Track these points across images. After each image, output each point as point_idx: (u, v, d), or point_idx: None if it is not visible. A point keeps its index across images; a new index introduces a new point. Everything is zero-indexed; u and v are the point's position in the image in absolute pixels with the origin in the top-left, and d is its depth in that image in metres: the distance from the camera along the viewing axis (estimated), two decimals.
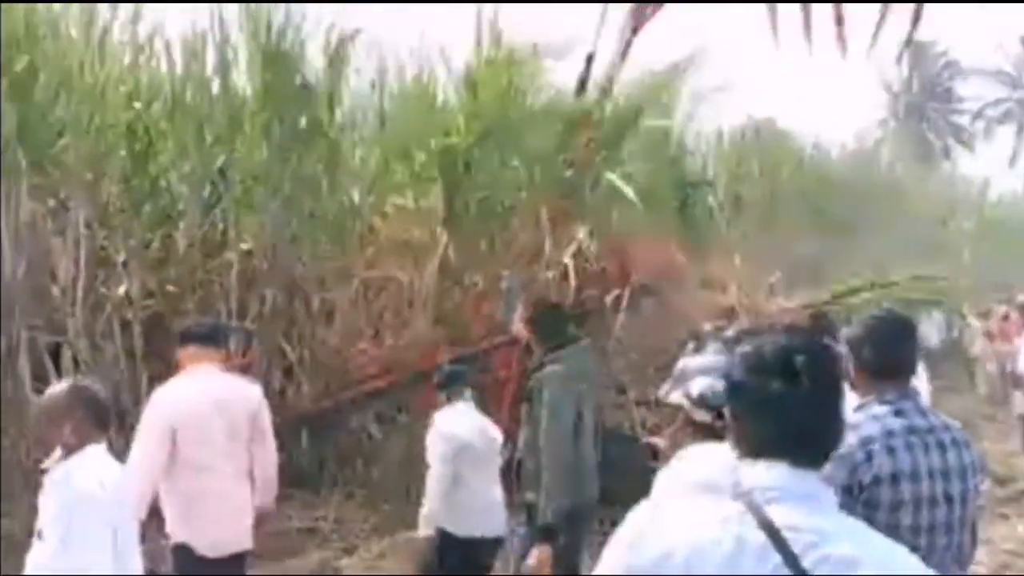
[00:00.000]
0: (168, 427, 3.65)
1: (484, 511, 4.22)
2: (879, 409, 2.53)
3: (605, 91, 7.65)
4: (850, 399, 2.55)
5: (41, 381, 4.87)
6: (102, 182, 5.59)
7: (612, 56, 7.67)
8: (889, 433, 2.48)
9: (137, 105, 6.02)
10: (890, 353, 2.63)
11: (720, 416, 2.73)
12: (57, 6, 5.69)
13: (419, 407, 5.75)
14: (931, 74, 32.98)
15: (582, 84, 7.59)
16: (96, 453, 2.77)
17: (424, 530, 4.16)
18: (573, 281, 7.22)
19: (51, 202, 5.42)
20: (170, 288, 6.00)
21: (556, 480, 3.59)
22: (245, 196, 6.27)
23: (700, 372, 2.87)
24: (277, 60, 6.12)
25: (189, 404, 3.74)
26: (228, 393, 3.90)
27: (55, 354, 5.42)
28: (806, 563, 1.53)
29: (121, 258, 5.79)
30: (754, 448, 1.65)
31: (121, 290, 5.72)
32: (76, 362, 5.40)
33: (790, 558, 1.54)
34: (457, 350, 6.18)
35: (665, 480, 2.47)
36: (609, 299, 7.40)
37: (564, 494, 3.58)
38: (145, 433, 3.66)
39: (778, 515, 1.58)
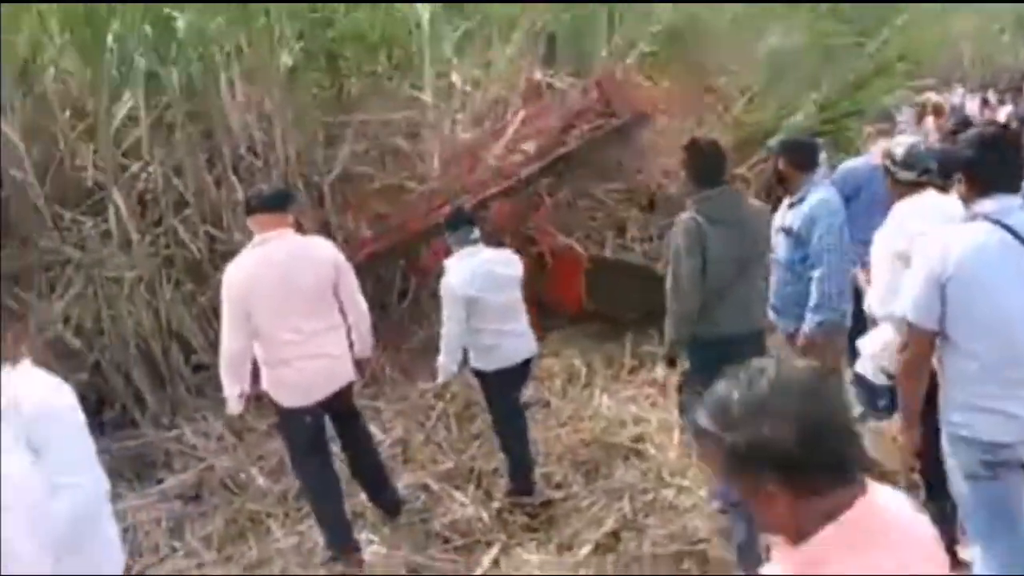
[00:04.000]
0: (243, 307, 3.88)
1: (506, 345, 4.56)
2: None
3: None
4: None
5: None
6: None
7: None
8: None
9: None
10: None
11: (924, 172, 3.72)
12: None
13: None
14: None
15: None
16: None
17: (442, 377, 4.62)
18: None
19: None
20: None
21: (672, 319, 3.96)
22: None
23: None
24: None
25: (259, 280, 3.90)
26: (299, 257, 4.02)
27: None
28: None
29: None
30: (984, 189, 2.82)
31: None
32: None
33: None
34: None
35: (898, 219, 3.61)
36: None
37: (679, 332, 3.95)
38: (227, 311, 3.93)
39: (1015, 224, 2.75)
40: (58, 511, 2.43)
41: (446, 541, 4.32)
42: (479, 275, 4.49)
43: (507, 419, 4.73)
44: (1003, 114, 11.85)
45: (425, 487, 4.78)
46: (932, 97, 8.79)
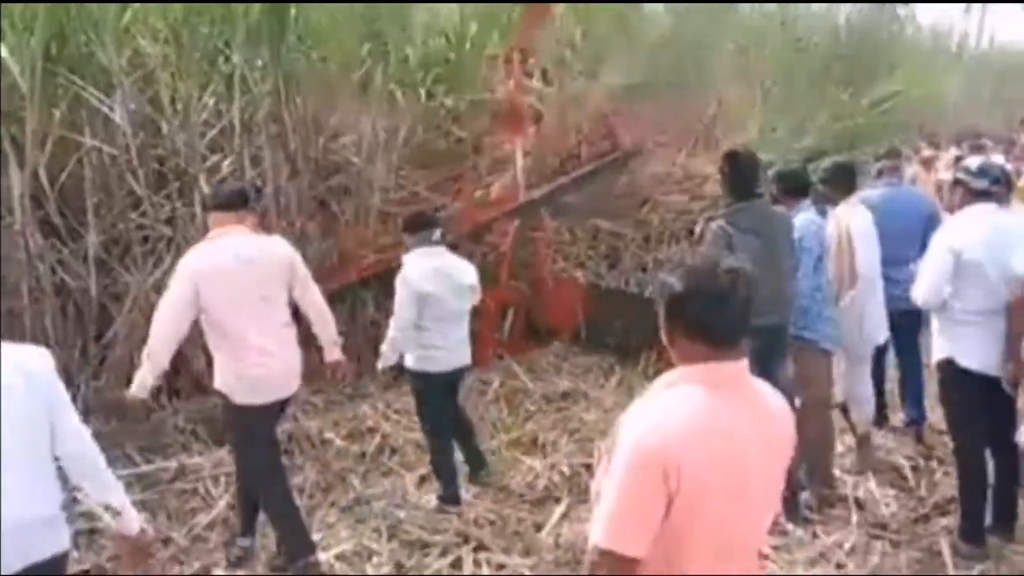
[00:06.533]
0: (193, 289, 3.77)
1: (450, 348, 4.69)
2: None
3: None
4: None
5: None
6: None
7: None
8: None
9: None
10: None
11: (995, 182, 4.10)
12: None
13: None
14: None
15: None
16: None
17: (381, 364, 4.69)
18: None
19: None
20: None
21: None
22: None
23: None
24: None
25: (213, 267, 3.81)
26: (255, 253, 3.92)
27: None
28: None
29: None
30: None
31: None
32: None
33: None
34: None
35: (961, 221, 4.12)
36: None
37: None
38: (173, 289, 3.83)
39: None
40: None
41: (521, 496, 4.93)
42: (439, 275, 4.60)
43: (437, 424, 4.81)
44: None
45: (494, 453, 5.42)
46: (925, 152, 9.74)
